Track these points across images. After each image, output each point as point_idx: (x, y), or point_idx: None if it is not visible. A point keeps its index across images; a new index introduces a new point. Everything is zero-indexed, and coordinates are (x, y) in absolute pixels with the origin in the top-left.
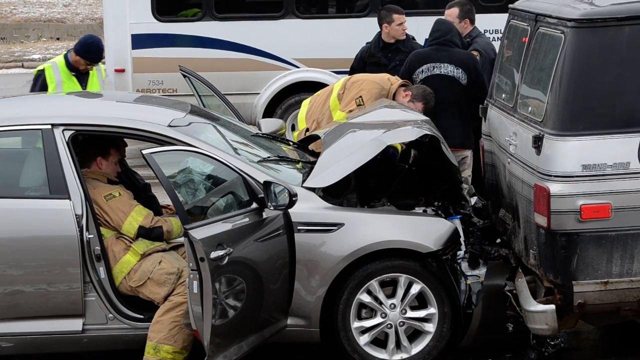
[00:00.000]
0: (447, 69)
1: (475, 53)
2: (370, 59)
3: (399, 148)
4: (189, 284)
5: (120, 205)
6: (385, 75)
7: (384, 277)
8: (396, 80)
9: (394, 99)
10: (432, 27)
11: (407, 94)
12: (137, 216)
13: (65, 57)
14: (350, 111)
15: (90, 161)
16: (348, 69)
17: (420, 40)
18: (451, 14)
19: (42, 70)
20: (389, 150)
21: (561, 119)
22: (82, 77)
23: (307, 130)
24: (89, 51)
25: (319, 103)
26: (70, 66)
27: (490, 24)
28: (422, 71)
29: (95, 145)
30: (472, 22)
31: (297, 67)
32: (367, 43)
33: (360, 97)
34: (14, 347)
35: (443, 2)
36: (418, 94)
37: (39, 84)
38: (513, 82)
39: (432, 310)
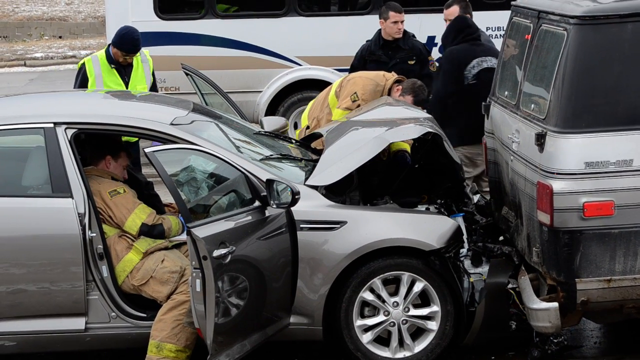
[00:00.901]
0: (492, 62)
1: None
2: (370, 57)
3: (408, 148)
4: (192, 283)
5: (125, 202)
6: (381, 73)
7: (386, 275)
8: (391, 77)
9: (389, 94)
10: (454, 25)
11: (398, 89)
12: (140, 214)
13: (107, 49)
14: (347, 108)
15: (99, 159)
16: (348, 68)
17: (422, 38)
18: (452, 12)
19: (83, 64)
20: (406, 157)
21: (564, 116)
22: (123, 69)
23: (308, 128)
24: (123, 42)
25: (319, 101)
26: (110, 59)
27: (493, 21)
28: (473, 66)
29: (107, 145)
30: (471, 17)
31: (300, 65)
32: (367, 41)
33: (355, 93)
34: (17, 346)
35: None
36: (407, 88)
37: (80, 78)
38: (516, 80)
39: (435, 308)
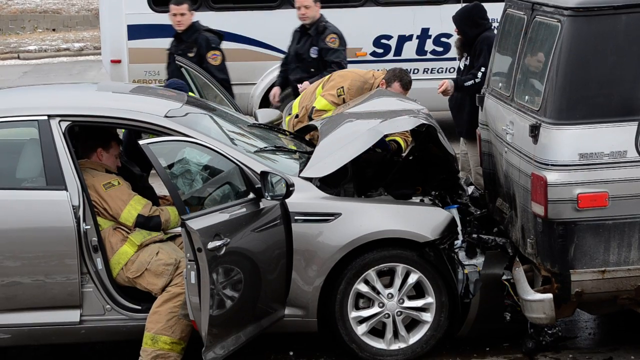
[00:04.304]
0: None
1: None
2: (169, 50)
3: (402, 143)
4: (187, 275)
5: (120, 193)
6: (371, 71)
7: (381, 267)
8: (380, 74)
9: None
10: (477, 11)
11: (382, 83)
12: (136, 205)
13: None
14: (332, 102)
15: (90, 152)
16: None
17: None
18: None
19: None
20: (385, 142)
21: (558, 107)
22: None
23: (297, 116)
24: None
25: (310, 91)
26: None
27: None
28: None
29: (97, 137)
30: None
31: None
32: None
33: (342, 87)
34: (12, 339)
35: None
36: (389, 77)
37: None
38: (510, 71)
39: (430, 299)
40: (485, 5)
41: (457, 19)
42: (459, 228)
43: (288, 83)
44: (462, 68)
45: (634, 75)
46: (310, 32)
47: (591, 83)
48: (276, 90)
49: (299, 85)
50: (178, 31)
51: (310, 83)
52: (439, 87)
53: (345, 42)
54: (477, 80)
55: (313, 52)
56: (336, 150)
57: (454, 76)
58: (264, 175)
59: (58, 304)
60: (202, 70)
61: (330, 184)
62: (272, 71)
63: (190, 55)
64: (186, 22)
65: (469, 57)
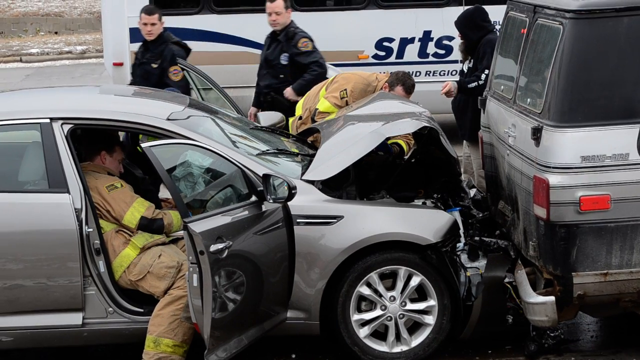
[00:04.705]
0: None
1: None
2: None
3: (404, 146)
4: (189, 278)
5: (123, 196)
6: (375, 73)
7: (383, 270)
8: (383, 77)
9: None
10: (479, 15)
11: (385, 86)
12: (139, 207)
13: None
14: (335, 104)
15: (94, 155)
16: (345, 62)
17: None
18: None
19: None
20: (388, 145)
21: (560, 110)
22: None
23: (300, 118)
24: None
25: (314, 93)
26: None
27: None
28: None
29: (101, 140)
30: None
31: None
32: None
33: (345, 89)
34: (14, 342)
35: None
36: (392, 80)
37: None
38: (512, 74)
39: (432, 302)
40: (487, 7)
41: (460, 23)
42: (461, 231)
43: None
44: (465, 71)
45: (636, 77)
46: (280, 38)
47: (593, 85)
48: (252, 110)
49: (297, 98)
50: (147, 40)
51: (282, 90)
52: (442, 88)
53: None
54: (480, 82)
55: (283, 59)
56: (338, 153)
57: (456, 79)
58: (266, 178)
59: (60, 306)
60: (204, 73)
61: (332, 186)
62: None
63: (154, 66)
64: (156, 32)
65: (472, 60)
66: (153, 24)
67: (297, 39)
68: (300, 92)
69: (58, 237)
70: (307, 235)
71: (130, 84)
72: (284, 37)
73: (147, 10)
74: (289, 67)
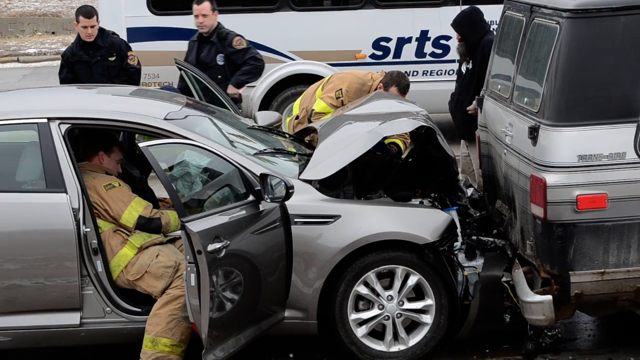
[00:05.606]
0: None
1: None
2: (73, 59)
3: (402, 146)
4: (187, 277)
5: (120, 195)
6: (370, 73)
7: (381, 269)
8: (378, 77)
9: None
10: (476, 15)
11: (380, 86)
12: (137, 206)
13: None
14: (331, 104)
15: (92, 155)
16: (343, 62)
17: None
18: None
19: None
20: (384, 144)
21: (557, 109)
22: None
23: (297, 117)
24: None
25: (310, 93)
26: None
27: (486, 14)
28: None
29: (99, 140)
30: None
31: (293, 59)
32: (71, 44)
33: (341, 89)
34: (11, 342)
35: None
36: (386, 81)
37: None
38: (509, 73)
39: (430, 301)
40: (483, 7)
41: (457, 24)
42: (459, 230)
43: None
44: (463, 72)
45: (633, 76)
46: (213, 40)
47: (590, 84)
48: None
49: (239, 90)
50: (88, 41)
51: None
52: (470, 111)
53: None
54: None
55: (220, 60)
56: (335, 153)
57: (454, 79)
58: (263, 177)
59: (58, 306)
60: (201, 73)
61: (329, 186)
62: (272, 73)
63: (111, 59)
64: (95, 33)
65: (471, 61)
66: (93, 26)
67: (230, 38)
68: (239, 85)
69: (55, 236)
70: (305, 234)
71: (62, 82)
72: (216, 39)
73: (86, 13)
74: (225, 67)
